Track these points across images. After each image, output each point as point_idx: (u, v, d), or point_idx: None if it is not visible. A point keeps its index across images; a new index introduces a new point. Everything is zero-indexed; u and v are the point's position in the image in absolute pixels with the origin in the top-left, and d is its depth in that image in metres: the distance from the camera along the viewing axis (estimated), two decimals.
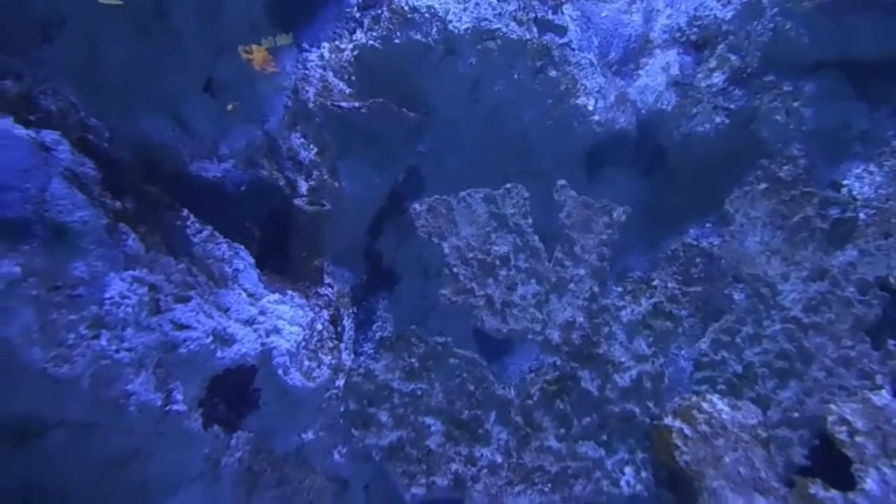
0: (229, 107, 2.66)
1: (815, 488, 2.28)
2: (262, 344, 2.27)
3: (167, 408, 1.99)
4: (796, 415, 2.65)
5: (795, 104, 3.31)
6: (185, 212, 2.33)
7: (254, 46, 2.54)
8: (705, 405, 2.63)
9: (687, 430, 2.54)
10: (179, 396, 2.03)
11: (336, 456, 2.47)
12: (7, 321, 1.72)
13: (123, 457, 2.04)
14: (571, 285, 2.81)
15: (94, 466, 2.03)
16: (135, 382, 1.93)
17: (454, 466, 2.42)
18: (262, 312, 2.33)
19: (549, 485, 2.31)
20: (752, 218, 3.05)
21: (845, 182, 3.33)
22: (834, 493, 2.26)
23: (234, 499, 2.17)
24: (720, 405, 2.62)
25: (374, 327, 3.41)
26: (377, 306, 3.46)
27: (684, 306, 3.01)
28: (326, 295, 2.70)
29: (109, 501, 2.08)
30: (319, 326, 2.53)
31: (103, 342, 1.88)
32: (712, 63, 3.52)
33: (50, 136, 1.90)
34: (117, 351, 1.91)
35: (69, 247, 1.86)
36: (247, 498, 2.19)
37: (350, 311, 2.99)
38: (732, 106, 3.45)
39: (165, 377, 2.02)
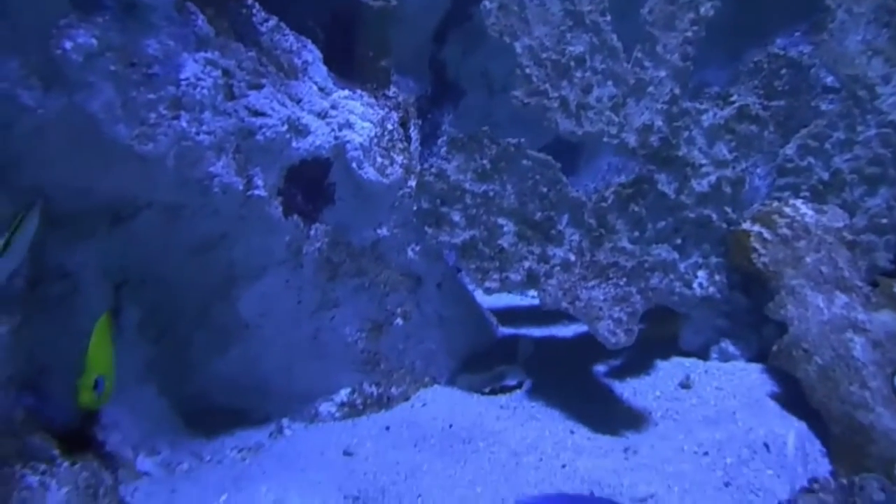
0: None
1: None
2: (336, 137, 2.24)
3: (249, 192, 2.02)
4: (884, 221, 2.54)
5: None
6: (250, 0, 2.23)
7: None
8: (787, 209, 2.54)
9: (766, 234, 2.48)
10: (260, 182, 2.04)
11: (410, 253, 2.51)
12: (90, 96, 1.71)
13: (210, 240, 2.11)
14: (651, 88, 2.65)
15: (183, 250, 2.11)
16: (217, 165, 1.94)
17: (527, 264, 2.44)
18: (333, 106, 2.28)
19: (625, 279, 2.31)
20: (856, 14, 2.76)
21: None
22: None
23: (316, 285, 2.25)
24: (804, 209, 2.53)
25: (439, 142, 3.35)
26: (442, 120, 3.39)
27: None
28: (395, 97, 2.62)
29: (200, 284, 2.18)
30: (390, 126, 2.48)
31: (183, 123, 1.87)
32: None
33: None
34: (197, 133, 1.90)
35: (140, 22, 1.80)
36: (328, 284, 2.27)
37: (416, 122, 2.92)
38: None
39: (245, 163, 2.03)
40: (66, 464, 1.56)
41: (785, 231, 2.47)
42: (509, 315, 3.12)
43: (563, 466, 1.84)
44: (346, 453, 2.00)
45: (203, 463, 2.05)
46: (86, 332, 1.95)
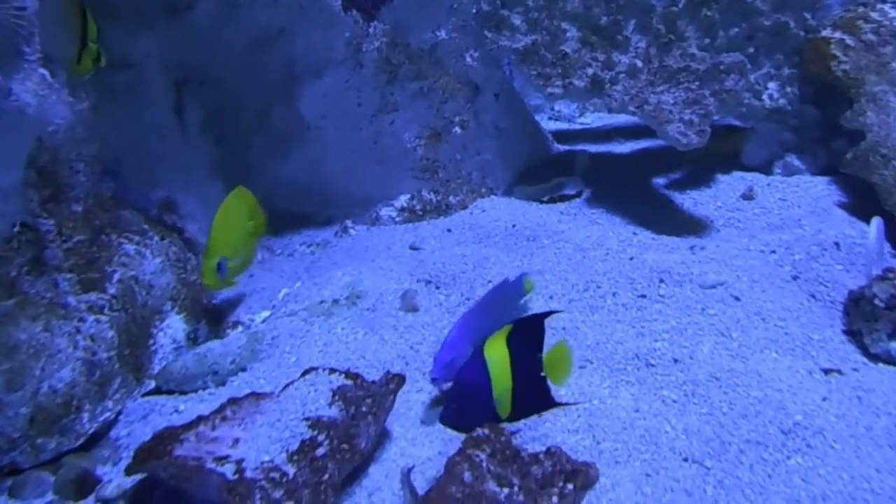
0: None
1: None
2: None
3: None
4: None
5: None
6: None
7: None
8: (874, 14, 2.36)
9: (849, 40, 2.32)
10: None
11: (468, 59, 2.41)
12: None
13: (270, 34, 2.03)
14: None
15: (242, 45, 2.05)
16: None
17: (591, 70, 2.34)
18: None
19: (697, 82, 2.21)
20: None
21: None
22: None
23: (375, 86, 2.19)
24: (893, 13, 2.35)
25: None
26: None
27: None
28: None
29: (260, 83, 2.14)
30: None
31: None
32: None
33: None
34: None
35: None
36: (387, 88, 2.21)
37: None
38: None
39: None
40: (157, 237, 1.62)
41: (870, 37, 2.31)
42: (562, 136, 3.05)
43: (631, 259, 1.86)
44: (413, 248, 2.05)
45: (275, 255, 2.12)
46: (153, 125, 1.95)
